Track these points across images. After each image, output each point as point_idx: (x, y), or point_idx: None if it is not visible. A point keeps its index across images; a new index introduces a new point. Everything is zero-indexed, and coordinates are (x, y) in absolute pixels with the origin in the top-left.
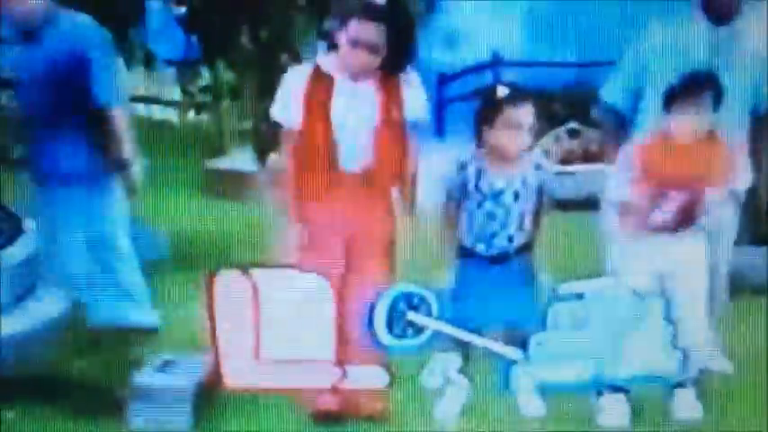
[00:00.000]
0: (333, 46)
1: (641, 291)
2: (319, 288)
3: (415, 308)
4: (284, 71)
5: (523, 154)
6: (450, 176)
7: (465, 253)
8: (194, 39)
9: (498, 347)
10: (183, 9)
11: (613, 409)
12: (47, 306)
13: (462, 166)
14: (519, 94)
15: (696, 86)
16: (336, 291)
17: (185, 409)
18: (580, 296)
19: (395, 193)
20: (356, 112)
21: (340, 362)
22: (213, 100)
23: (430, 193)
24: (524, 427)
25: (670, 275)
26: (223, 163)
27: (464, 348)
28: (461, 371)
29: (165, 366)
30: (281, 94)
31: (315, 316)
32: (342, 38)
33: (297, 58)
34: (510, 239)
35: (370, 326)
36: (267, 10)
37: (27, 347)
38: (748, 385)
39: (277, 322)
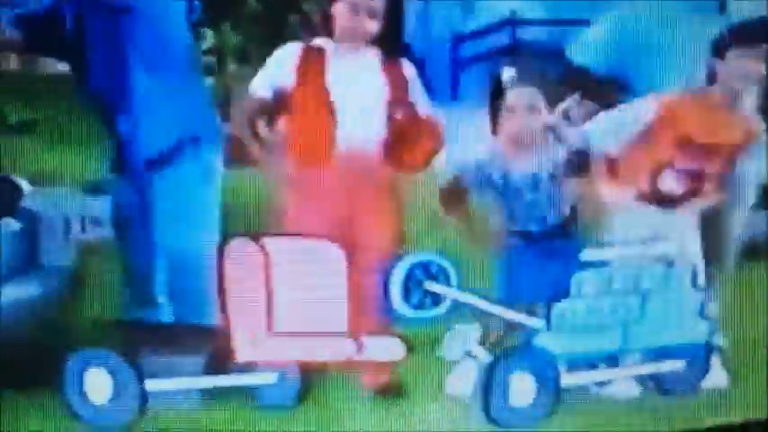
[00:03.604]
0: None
1: (668, 257)
2: (333, 257)
3: (433, 277)
4: (293, 34)
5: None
6: (469, 172)
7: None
8: (197, 1)
9: (521, 318)
10: None
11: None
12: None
13: (481, 166)
14: (524, 77)
15: (752, 34)
16: (350, 260)
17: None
18: (604, 263)
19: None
20: (357, 84)
21: (355, 334)
22: (218, 63)
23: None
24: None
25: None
26: (229, 128)
27: (484, 319)
28: (481, 343)
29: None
30: (267, 70)
31: (328, 286)
32: (339, 6)
33: (307, 21)
34: (560, 215)
35: (385, 295)
36: None
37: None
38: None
39: (290, 293)
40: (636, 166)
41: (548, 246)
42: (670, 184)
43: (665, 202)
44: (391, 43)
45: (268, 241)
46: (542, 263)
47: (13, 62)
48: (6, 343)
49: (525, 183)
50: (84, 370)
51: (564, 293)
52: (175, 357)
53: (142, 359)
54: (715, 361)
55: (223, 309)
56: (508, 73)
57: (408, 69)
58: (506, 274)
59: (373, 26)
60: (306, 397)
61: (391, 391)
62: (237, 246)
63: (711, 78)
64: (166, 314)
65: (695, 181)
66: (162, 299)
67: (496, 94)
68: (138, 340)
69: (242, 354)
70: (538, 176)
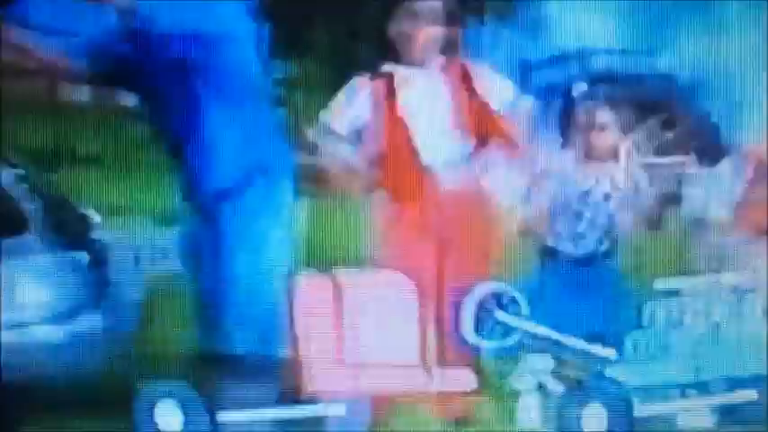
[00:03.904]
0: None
1: (740, 287)
2: (404, 289)
3: (503, 307)
4: (361, 65)
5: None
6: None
7: (549, 252)
8: (266, 31)
9: (593, 348)
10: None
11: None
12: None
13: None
14: (596, 91)
15: None
16: (423, 292)
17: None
18: (676, 293)
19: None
20: (428, 102)
21: (426, 365)
22: (289, 93)
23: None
24: None
25: None
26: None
27: (556, 350)
28: (554, 373)
29: None
30: (341, 107)
31: (400, 318)
32: (397, 23)
33: (375, 48)
34: (600, 242)
35: (456, 326)
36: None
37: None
38: None
39: (360, 325)
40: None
41: (578, 272)
42: None
43: None
44: (453, 48)
45: (339, 273)
46: (570, 291)
47: (84, 94)
48: (79, 374)
49: (579, 192)
50: (155, 402)
51: (609, 323)
52: (247, 389)
53: (214, 390)
54: None
55: (294, 340)
56: (579, 88)
57: (475, 69)
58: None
59: (437, 33)
60: (377, 428)
61: (464, 424)
62: (309, 277)
63: None
64: (237, 345)
65: None
66: (233, 330)
67: (567, 110)
68: (209, 371)
69: (312, 385)
70: (591, 190)
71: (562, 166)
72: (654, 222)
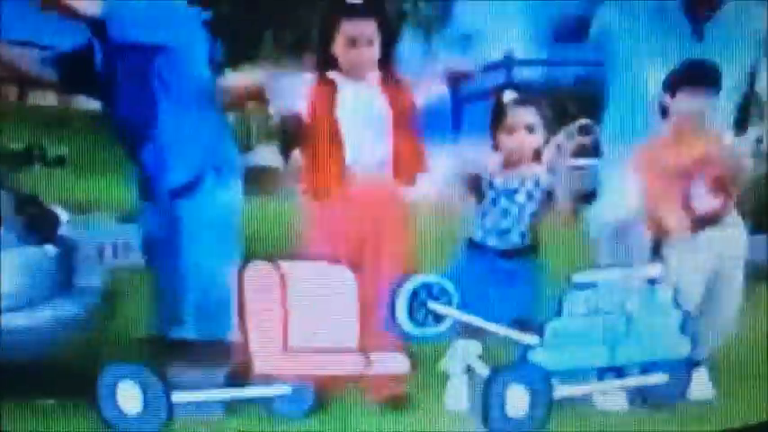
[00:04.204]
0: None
1: (652, 279)
2: (344, 279)
3: (435, 297)
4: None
5: (537, 154)
6: (465, 173)
7: (474, 245)
8: (219, 42)
9: (516, 334)
10: (209, 13)
11: (614, 393)
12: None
13: (477, 166)
14: (524, 96)
15: (700, 75)
16: (360, 282)
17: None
18: (593, 285)
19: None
20: (363, 110)
21: (364, 349)
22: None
23: (444, 188)
24: None
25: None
26: (250, 159)
27: (482, 336)
28: (482, 358)
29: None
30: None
31: (339, 306)
32: (338, 45)
33: (319, 58)
34: (522, 236)
35: (392, 314)
36: (293, 13)
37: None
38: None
39: (304, 312)
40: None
41: (504, 264)
42: (705, 203)
43: (709, 220)
44: (390, 67)
45: (283, 264)
46: (495, 281)
47: (50, 99)
48: (45, 358)
49: (506, 190)
50: (116, 383)
51: (532, 311)
52: (200, 371)
53: (170, 373)
54: (702, 373)
55: (242, 326)
56: (510, 96)
57: (409, 92)
58: (463, 290)
59: (372, 54)
60: (320, 409)
61: (398, 404)
62: (255, 268)
63: (664, 112)
64: (192, 331)
65: (722, 189)
66: (188, 317)
67: (497, 111)
68: (166, 355)
69: (259, 368)
70: (517, 190)
71: (491, 167)
72: (571, 219)
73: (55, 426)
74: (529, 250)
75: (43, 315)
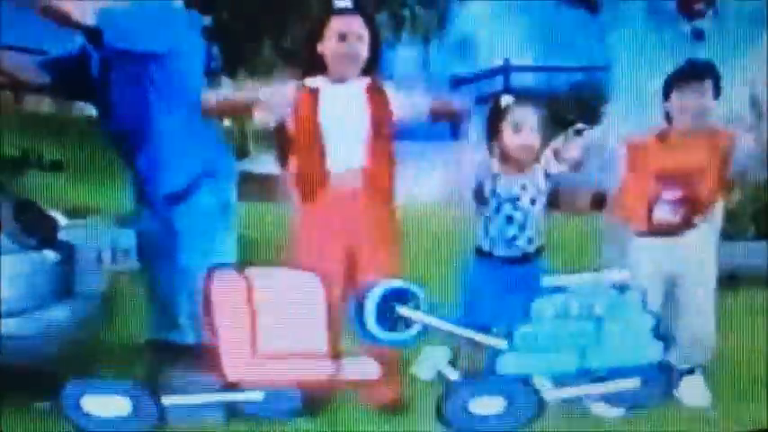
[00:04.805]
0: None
1: (620, 284)
2: (311, 285)
3: (404, 302)
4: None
5: (535, 158)
6: (466, 182)
7: (482, 254)
8: (216, 49)
9: (485, 339)
10: (207, 20)
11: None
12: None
13: (478, 173)
14: (521, 98)
15: (696, 74)
16: (328, 288)
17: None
18: (563, 289)
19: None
20: (344, 116)
21: (334, 355)
22: None
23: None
24: None
25: (679, 272)
26: (246, 165)
27: (453, 341)
28: (452, 363)
29: None
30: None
31: (307, 312)
32: (327, 42)
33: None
34: (530, 241)
35: (360, 320)
36: (289, 20)
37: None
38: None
39: (272, 319)
40: (632, 204)
41: (513, 271)
42: (664, 215)
43: (664, 232)
44: (375, 74)
45: (251, 271)
46: (506, 288)
47: (46, 105)
48: (44, 362)
49: (509, 197)
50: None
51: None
52: (190, 375)
53: (161, 376)
54: (697, 380)
55: (212, 332)
56: (506, 100)
57: (390, 102)
58: (471, 298)
59: (362, 49)
60: (309, 411)
61: (392, 408)
62: (223, 275)
63: (668, 118)
64: (188, 335)
65: (688, 207)
66: (184, 322)
67: (494, 116)
68: (162, 359)
69: (229, 374)
70: (520, 196)
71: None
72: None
73: (53, 429)
74: (538, 255)
75: (42, 319)
